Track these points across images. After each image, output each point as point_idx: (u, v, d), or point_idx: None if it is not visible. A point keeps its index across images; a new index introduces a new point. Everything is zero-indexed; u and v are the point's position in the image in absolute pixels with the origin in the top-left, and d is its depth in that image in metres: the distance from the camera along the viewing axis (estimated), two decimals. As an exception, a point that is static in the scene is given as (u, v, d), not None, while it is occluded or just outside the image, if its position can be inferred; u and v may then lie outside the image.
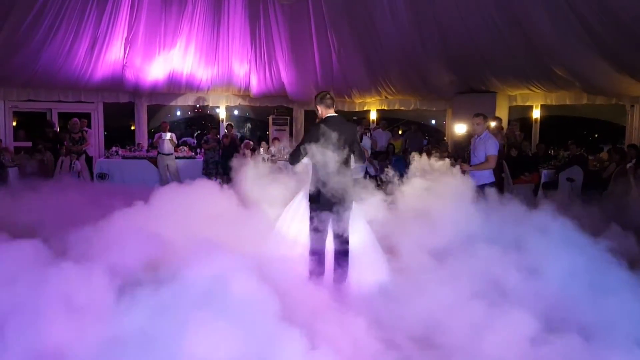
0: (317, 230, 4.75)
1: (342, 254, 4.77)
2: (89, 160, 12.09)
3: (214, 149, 12.42)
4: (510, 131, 11.70)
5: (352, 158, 4.97)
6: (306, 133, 5.02)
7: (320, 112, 4.97)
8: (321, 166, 4.67)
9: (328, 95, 4.94)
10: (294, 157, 4.89)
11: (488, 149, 6.63)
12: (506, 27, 10.21)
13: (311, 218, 4.78)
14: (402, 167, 11.25)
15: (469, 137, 6.90)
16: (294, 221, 4.88)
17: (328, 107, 4.91)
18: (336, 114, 4.94)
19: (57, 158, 11.40)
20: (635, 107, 11.17)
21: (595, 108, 12.74)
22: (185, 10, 13.13)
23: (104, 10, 12.28)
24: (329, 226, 4.78)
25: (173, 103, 15.67)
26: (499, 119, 11.65)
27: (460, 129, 5.85)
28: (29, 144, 12.38)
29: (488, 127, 7.49)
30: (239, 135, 13.03)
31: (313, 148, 4.66)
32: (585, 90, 11.19)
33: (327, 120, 4.86)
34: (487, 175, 6.70)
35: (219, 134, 13.65)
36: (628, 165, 8.88)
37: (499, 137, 10.93)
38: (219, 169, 12.16)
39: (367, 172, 11.30)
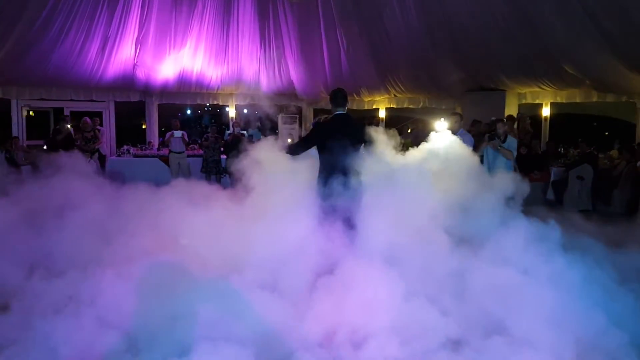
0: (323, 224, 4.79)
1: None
2: (102, 159, 12.18)
3: (213, 147, 12.16)
4: (521, 118, 11.61)
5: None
6: (311, 129, 5.13)
7: (331, 109, 5.07)
8: (325, 161, 4.81)
9: (340, 94, 4.99)
10: (293, 149, 5.00)
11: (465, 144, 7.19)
12: (516, 25, 10.19)
13: (318, 212, 4.82)
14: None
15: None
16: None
17: (337, 105, 4.98)
18: (343, 112, 4.99)
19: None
20: (645, 105, 11.11)
21: (606, 106, 12.66)
22: (195, 10, 13.24)
23: (114, 10, 12.40)
24: (336, 220, 4.81)
25: (183, 102, 15.79)
26: (511, 118, 11.63)
27: (441, 126, 6.23)
28: (41, 142, 12.49)
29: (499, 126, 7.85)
30: (245, 133, 12.81)
31: (316, 144, 4.86)
32: (595, 88, 11.15)
33: (333, 118, 4.99)
34: None
35: (225, 131, 13.57)
36: (638, 164, 8.85)
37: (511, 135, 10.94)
38: (219, 167, 11.92)
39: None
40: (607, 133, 17.15)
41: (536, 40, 10.14)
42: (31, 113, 14.07)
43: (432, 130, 6.11)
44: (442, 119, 6.67)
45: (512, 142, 7.68)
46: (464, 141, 7.22)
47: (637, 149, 9.49)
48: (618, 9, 8.21)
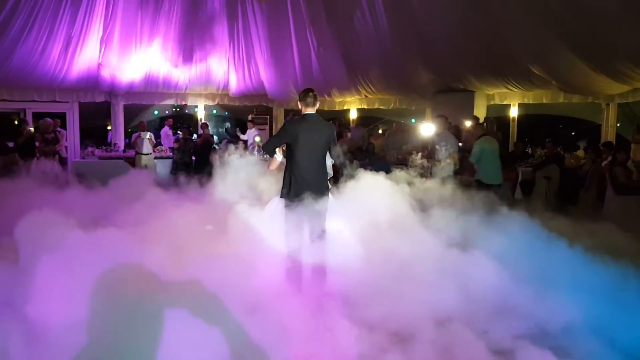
0: (291, 228, 4.73)
1: (319, 253, 4.72)
2: (63, 162, 11.80)
3: (183, 150, 11.97)
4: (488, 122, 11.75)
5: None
6: (281, 128, 5.12)
7: (301, 109, 5.00)
8: (292, 162, 4.79)
9: (310, 94, 4.94)
10: (266, 147, 5.08)
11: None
12: (484, 27, 10.27)
13: (285, 215, 4.77)
14: (383, 167, 11.28)
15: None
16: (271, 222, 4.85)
17: (308, 105, 4.92)
18: (313, 113, 4.94)
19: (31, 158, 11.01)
20: (610, 106, 11.32)
21: (572, 106, 12.88)
22: (161, 9, 12.98)
23: (78, 8, 12.11)
24: (304, 222, 4.75)
25: (150, 102, 15.48)
26: (476, 118, 11.72)
27: (427, 129, 6.47)
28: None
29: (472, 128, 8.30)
30: (214, 136, 12.66)
31: (285, 144, 4.89)
32: (562, 89, 11.31)
33: (303, 118, 4.94)
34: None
35: (194, 133, 13.40)
36: (603, 163, 8.99)
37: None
38: (190, 169, 11.70)
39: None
40: (573, 133, 17.48)
41: (504, 42, 10.22)
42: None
43: (409, 133, 6.28)
44: (413, 120, 6.83)
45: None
46: (448, 142, 7.85)
47: (602, 149, 9.64)
48: (584, 11, 8.32)
